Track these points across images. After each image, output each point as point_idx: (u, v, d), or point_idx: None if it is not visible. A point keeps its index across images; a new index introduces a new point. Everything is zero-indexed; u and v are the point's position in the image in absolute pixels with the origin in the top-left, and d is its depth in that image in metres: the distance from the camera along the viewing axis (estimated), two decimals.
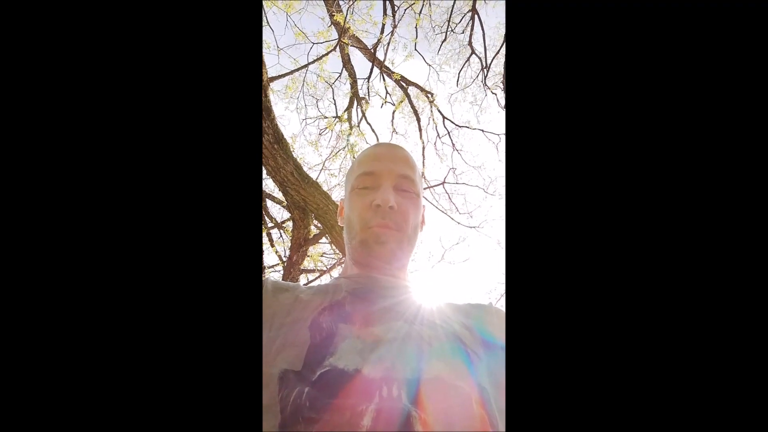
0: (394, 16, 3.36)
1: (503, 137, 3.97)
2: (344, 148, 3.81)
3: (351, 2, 3.20)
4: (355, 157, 0.68)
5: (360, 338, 0.44)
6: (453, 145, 4.20)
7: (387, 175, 0.55)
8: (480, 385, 0.43)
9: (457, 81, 4.21)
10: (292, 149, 2.30)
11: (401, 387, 0.39)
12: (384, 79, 3.89)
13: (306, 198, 2.28)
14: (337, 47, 3.40)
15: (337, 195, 3.49)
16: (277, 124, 2.19)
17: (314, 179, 2.42)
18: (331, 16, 3.31)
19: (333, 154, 3.97)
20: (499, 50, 3.75)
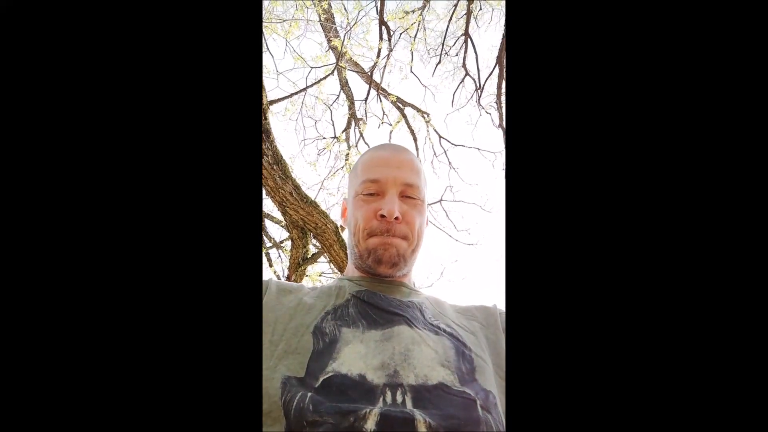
0: (389, 40, 3.46)
1: (499, 155, 4.01)
2: (342, 167, 3.84)
3: (348, 28, 3.29)
4: (360, 155, 0.67)
5: (363, 343, 0.43)
6: (450, 163, 4.24)
7: (392, 183, 0.55)
8: (485, 390, 0.42)
9: (452, 101, 4.29)
10: (290, 170, 2.32)
11: (405, 393, 0.39)
12: (381, 101, 3.96)
13: (305, 217, 2.29)
14: (335, 71, 3.48)
15: (336, 214, 3.50)
16: (276, 146, 2.21)
17: (313, 199, 2.43)
18: (329, 41, 3.40)
19: (331, 174, 4.00)
20: (492, 71, 3.83)
